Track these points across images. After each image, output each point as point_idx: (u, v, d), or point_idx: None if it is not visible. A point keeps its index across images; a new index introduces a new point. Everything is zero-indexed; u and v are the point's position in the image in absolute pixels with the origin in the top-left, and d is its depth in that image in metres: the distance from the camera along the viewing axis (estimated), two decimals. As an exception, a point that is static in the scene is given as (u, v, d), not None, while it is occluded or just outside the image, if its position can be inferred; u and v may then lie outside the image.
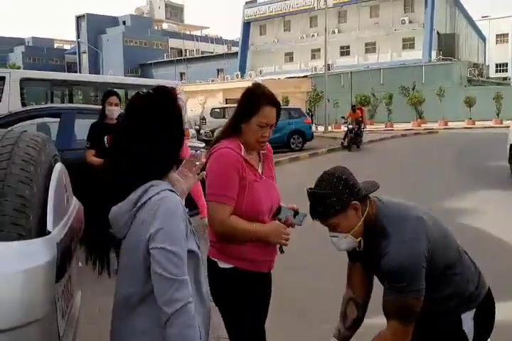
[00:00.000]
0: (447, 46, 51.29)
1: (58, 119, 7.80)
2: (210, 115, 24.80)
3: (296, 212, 2.85)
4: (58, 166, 2.07)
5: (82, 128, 6.99)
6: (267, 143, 2.94)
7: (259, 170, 2.86)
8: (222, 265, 2.74)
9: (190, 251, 1.84)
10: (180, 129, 1.96)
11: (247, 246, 2.73)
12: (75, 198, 2.38)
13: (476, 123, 33.96)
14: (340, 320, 2.58)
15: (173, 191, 1.85)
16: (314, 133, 22.82)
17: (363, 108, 24.08)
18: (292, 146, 20.65)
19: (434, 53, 49.49)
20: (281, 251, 2.90)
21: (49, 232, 1.74)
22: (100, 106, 6.17)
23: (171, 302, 1.70)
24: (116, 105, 5.96)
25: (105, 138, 5.79)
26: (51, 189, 1.89)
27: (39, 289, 1.56)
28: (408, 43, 53.73)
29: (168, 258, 1.72)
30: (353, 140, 20.28)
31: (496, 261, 6.58)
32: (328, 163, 17.69)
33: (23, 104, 11.79)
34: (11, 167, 1.79)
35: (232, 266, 2.74)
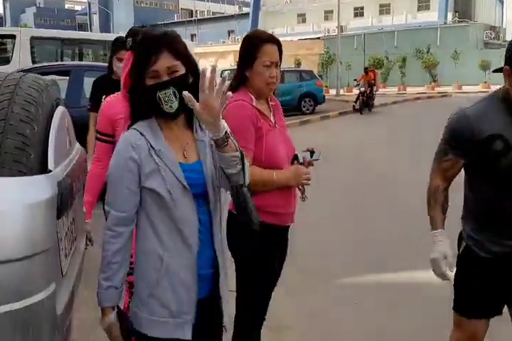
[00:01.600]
0: (463, 7, 50.20)
1: (68, 77, 7.80)
2: (221, 77, 24.58)
3: (311, 152, 2.87)
4: (60, 109, 2.08)
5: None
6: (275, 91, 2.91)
7: (272, 120, 2.85)
8: None
9: (148, 189, 1.93)
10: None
11: (269, 198, 2.72)
12: (78, 144, 2.39)
13: (492, 87, 33.46)
14: (439, 209, 2.52)
15: (136, 130, 1.97)
16: (326, 97, 22.58)
17: (376, 71, 23.75)
18: (303, 109, 20.45)
19: (449, 15, 48.51)
20: (304, 199, 2.90)
21: (50, 171, 1.75)
22: None
23: None
24: None
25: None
26: (52, 130, 1.90)
27: (41, 224, 1.59)
28: (424, 4, 52.61)
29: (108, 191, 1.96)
30: (365, 103, 20.10)
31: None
32: (341, 125, 17.63)
33: (34, 62, 11.76)
34: (13, 106, 1.80)
35: None
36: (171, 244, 1.96)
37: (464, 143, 2.42)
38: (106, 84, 4.52)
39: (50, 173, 1.74)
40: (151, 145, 1.96)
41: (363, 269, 5.29)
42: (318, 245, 6.03)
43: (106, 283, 1.91)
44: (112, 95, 3.24)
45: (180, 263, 1.97)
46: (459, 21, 46.31)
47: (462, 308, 2.59)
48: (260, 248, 2.76)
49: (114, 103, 3.11)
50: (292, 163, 2.84)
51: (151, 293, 1.95)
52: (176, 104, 1.95)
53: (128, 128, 2.04)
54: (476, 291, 2.51)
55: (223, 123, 1.92)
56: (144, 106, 2.01)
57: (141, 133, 1.98)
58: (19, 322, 1.54)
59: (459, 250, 2.60)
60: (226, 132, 1.92)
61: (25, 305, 1.53)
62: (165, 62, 1.94)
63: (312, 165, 2.89)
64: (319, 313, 4.47)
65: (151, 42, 1.97)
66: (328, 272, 5.25)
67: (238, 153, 1.97)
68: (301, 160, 2.83)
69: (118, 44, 4.48)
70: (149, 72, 1.95)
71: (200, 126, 2.09)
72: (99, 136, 3.17)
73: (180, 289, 1.96)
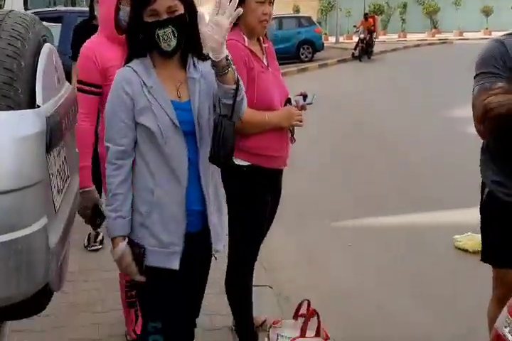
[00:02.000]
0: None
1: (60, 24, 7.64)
2: None
3: (305, 96, 2.86)
4: (47, 45, 2.05)
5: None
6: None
7: (265, 62, 2.82)
8: (238, 162, 2.72)
9: (141, 125, 2.03)
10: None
11: (262, 141, 2.74)
12: (68, 83, 2.37)
13: (493, 33, 32.87)
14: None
15: (130, 67, 2.06)
16: (325, 44, 22.20)
17: (376, 16, 23.30)
18: (301, 57, 20.18)
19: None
20: (292, 141, 2.92)
21: (38, 106, 1.75)
22: None
23: None
24: None
25: None
26: (40, 66, 1.88)
27: (30, 157, 1.60)
28: None
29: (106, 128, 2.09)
30: (365, 50, 19.80)
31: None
32: (339, 73, 17.44)
33: (26, 9, 11.49)
34: (-2, 41, 1.78)
35: (249, 163, 2.75)
36: (162, 179, 2.05)
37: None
38: (87, 31, 3.88)
39: (39, 108, 1.74)
40: (143, 82, 2.04)
41: (362, 212, 5.37)
42: (318, 189, 6.10)
43: (114, 213, 2.03)
44: (89, 40, 2.92)
45: (170, 197, 2.05)
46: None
47: (491, 258, 2.50)
48: (252, 190, 2.80)
49: (99, 48, 2.80)
50: (285, 106, 2.83)
51: (143, 223, 2.05)
52: (174, 43, 2.00)
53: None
54: (503, 238, 2.42)
55: (226, 51, 1.96)
56: (141, 44, 2.08)
57: (134, 69, 2.05)
58: (11, 254, 1.58)
59: (482, 199, 2.52)
60: (228, 58, 1.96)
61: (17, 236, 1.56)
62: (166, 2, 1.98)
63: (305, 109, 2.88)
64: (316, 254, 4.57)
65: None
66: (326, 215, 5.33)
67: (235, 86, 2.02)
68: (293, 104, 2.83)
69: None
70: (148, 11, 1.99)
71: (193, 63, 2.14)
72: (82, 86, 2.80)
73: (169, 221, 2.06)
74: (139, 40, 2.08)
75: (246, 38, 2.74)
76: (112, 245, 2.06)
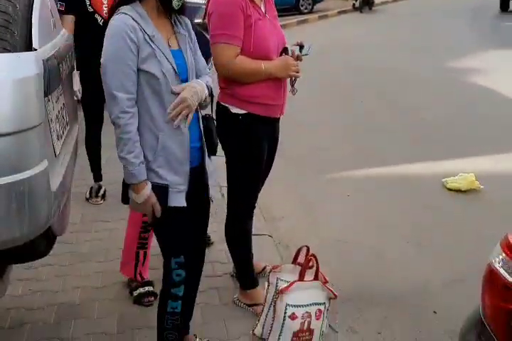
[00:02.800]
0: None
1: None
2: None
3: (301, 46, 2.82)
4: (42, -11, 2.02)
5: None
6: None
7: (262, 9, 2.76)
8: (234, 110, 2.73)
9: (145, 72, 2.05)
10: None
11: (258, 89, 2.71)
12: (64, 29, 2.34)
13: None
14: None
15: (124, 13, 2.05)
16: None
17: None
18: (301, 8, 19.75)
19: None
20: (293, 92, 2.90)
21: (35, 49, 1.74)
22: None
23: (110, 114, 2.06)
24: None
25: None
26: (35, 9, 1.86)
27: (28, 99, 1.60)
28: None
29: (103, 73, 2.02)
30: (365, 1, 19.37)
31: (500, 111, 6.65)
32: (336, 25, 17.16)
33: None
34: (-8, -16, 1.74)
35: (244, 111, 2.73)
36: (164, 124, 2.10)
37: None
38: None
39: (36, 51, 1.72)
40: (144, 31, 2.06)
41: (362, 163, 5.38)
42: (317, 141, 6.09)
43: (137, 160, 2.06)
44: None
45: (174, 140, 2.12)
46: None
47: None
48: (249, 138, 2.79)
49: None
50: (281, 55, 2.79)
51: (150, 167, 2.11)
52: (181, 3, 2.13)
53: (112, 13, 2.11)
54: None
55: (200, 94, 2.17)
56: None
57: (132, 18, 2.05)
58: (13, 197, 1.60)
59: None
60: (211, 92, 2.30)
61: (18, 179, 1.58)
62: None
63: (301, 59, 2.83)
64: (316, 204, 4.61)
65: None
66: (326, 167, 5.34)
67: (209, 98, 2.29)
68: (290, 54, 2.78)
69: None
70: None
71: (177, 19, 2.23)
72: None
73: (174, 163, 2.14)
74: None
75: None
76: (136, 190, 2.10)
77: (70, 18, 4.05)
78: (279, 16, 2.96)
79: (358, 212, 4.40)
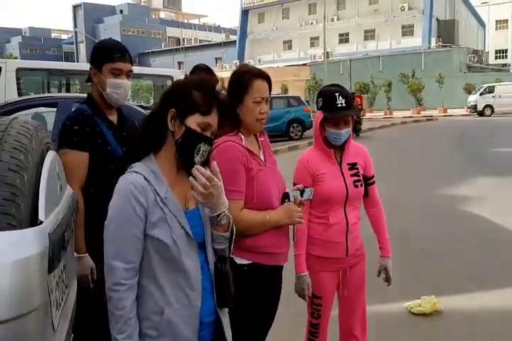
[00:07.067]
0: (447, 33, 51.07)
1: (55, 109, 7.71)
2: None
3: (302, 191, 2.81)
4: (51, 154, 2.01)
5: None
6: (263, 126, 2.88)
7: (262, 158, 2.80)
8: (239, 261, 2.64)
9: (152, 238, 1.85)
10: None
11: (262, 239, 2.67)
12: (68, 186, 2.31)
13: (476, 110, 33.81)
14: None
15: (136, 172, 1.88)
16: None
17: (362, 95, 23.95)
18: (291, 135, 20.55)
19: (433, 40, 49.31)
20: (294, 239, 2.85)
21: (41, 222, 1.68)
22: None
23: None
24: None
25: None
26: (43, 178, 1.83)
27: (31, 280, 1.50)
28: (407, 30, 53.48)
29: (104, 236, 1.84)
30: (353, 128, 20.12)
31: (497, 249, 6.56)
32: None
33: (20, 94, 11.66)
34: (1, 154, 1.73)
35: (250, 261, 2.66)
36: (173, 296, 1.88)
37: None
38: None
39: (41, 225, 1.66)
40: (156, 192, 1.88)
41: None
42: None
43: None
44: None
45: (181, 317, 1.89)
46: (442, 46, 47.06)
47: None
48: (252, 289, 2.69)
49: None
50: (283, 201, 2.77)
51: None
52: (202, 160, 1.96)
53: (123, 169, 1.94)
54: None
55: (223, 201, 1.94)
56: (155, 141, 1.96)
57: (145, 177, 1.88)
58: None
59: None
60: (224, 212, 1.95)
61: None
62: (214, 118, 1.97)
63: (303, 205, 2.82)
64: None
65: (212, 91, 1.99)
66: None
67: (228, 234, 1.99)
68: (291, 200, 2.77)
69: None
70: (201, 122, 1.94)
71: None
72: None
73: None
74: (157, 135, 1.95)
75: (243, 137, 2.73)
76: None
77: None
78: (270, 142, 3.00)
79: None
